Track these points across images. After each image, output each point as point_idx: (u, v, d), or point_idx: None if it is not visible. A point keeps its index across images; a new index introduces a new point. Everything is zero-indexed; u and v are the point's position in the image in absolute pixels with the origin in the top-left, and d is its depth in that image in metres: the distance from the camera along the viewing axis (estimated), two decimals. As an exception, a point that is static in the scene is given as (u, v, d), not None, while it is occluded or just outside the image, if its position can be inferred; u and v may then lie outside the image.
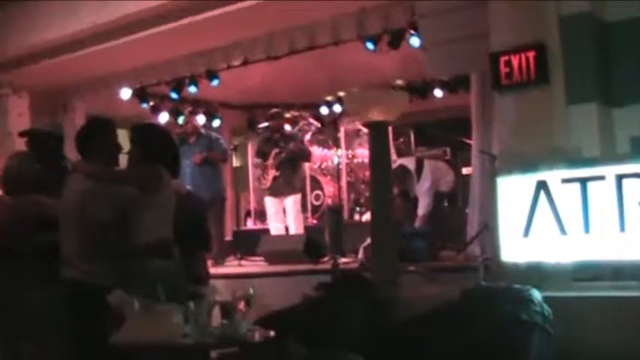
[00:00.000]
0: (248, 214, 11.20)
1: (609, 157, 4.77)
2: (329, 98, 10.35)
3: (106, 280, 3.82)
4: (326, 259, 7.55)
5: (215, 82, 8.83)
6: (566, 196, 4.52)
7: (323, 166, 10.49)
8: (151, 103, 9.92)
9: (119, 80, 9.52)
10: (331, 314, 4.69)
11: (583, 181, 4.48)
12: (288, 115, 10.22)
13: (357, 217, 9.80)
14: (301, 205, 9.00)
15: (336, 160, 9.99)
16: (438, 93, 9.61)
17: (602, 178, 4.42)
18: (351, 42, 7.66)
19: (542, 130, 4.98)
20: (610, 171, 4.40)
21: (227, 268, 7.84)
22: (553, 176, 4.60)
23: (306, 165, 9.75)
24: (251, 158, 10.61)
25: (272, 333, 3.74)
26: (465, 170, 8.41)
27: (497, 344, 4.08)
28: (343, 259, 7.26)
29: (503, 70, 5.08)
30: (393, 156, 8.22)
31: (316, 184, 10.28)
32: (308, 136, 10.29)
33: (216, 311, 3.64)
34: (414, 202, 8.13)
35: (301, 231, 8.59)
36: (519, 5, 5.11)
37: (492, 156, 5.87)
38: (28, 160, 4.66)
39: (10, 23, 8.63)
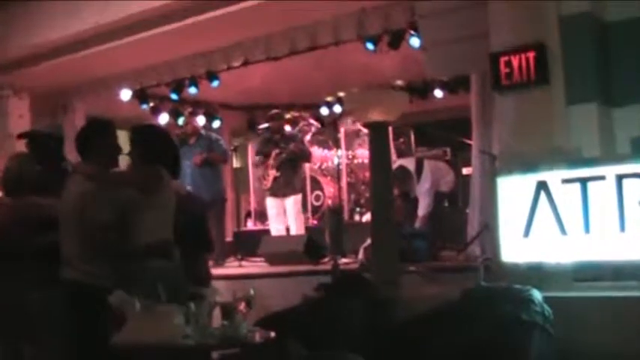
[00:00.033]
0: (248, 214, 11.20)
1: (609, 157, 4.77)
2: (329, 99, 10.36)
3: (106, 281, 3.82)
4: (326, 259, 7.55)
5: (215, 83, 8.83)
6: (567, 196, 4.52)
7: (323, 167, 10.48)
8: (151, 104, 9.91)
9: (119, 81, 9.52)
10: (331, 315, 4.70)
11: (583, 181, 4.48)
12: (288, 116, 10.23)
13: (357, 217, 9.79)
14: (302, 205, 9.01)
15: (336, 161, 9.99)
16: (438, 93, 9.62)
17: (602, 178, 4.42)
18: (351, 42, 7.67)
19: (543, 130, 4.98)
20: (610, 171, 4.40)
21: (227, 269, 7.85)
22: (553, 176, 4.59)
23: (307, 166, 9.75)
24: (251, 159, 10.61)
25: (272, 334, 3.74)
26: (465, 170, 8.41)
27: (497, 344, 4.08)
28: (343, 260, 7.26)
29: (503, 70, 5.08)
30: (393, 156, 8.21)
31: (316, 184, 10.28)
32: (308, 137, 10.29)
33: (217, 312, 3.64)
34: (415, 202, 8.13)
35: (302, 231, 8.60)
36: (519, 5, 5.11)
37: (492, 156, 5.88)
38: (28, 162, 4.66)
39: (11, 24, 8.62)
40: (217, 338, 3.51)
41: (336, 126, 10.13)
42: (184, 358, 3.58)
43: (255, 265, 8.13)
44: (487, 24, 5.30)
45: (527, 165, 4.75)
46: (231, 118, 11.47)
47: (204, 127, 9.50)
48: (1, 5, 8.52)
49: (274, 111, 9.10)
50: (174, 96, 9.43)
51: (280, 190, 8.66)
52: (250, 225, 10.87)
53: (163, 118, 9.95)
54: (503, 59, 5.08)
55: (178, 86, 9.17)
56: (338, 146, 10.07)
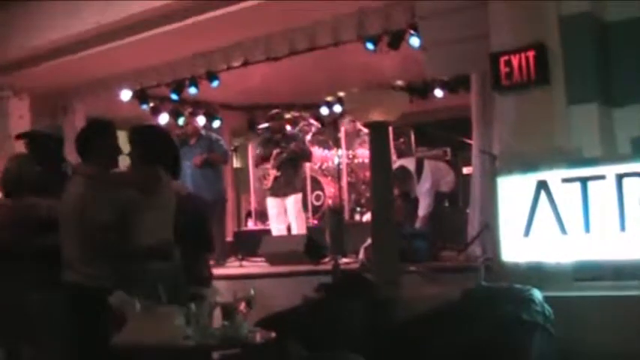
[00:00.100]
0: (249, 214, 11.20)
1: (609, 156, 4.77)
2: (329, 99, 10.36)
3: (106, 282, 3.81)
4: (327, 259, 7.55)
5: (215, 83, 8.83)
6: (567, 195, 4.52)
7: (323, 167, 10.47)
8: (151, 105, 9.91)
9: (119, 82, 9.52)
10: (332, 315, 4.70)
11: (583, 181, 4.47)
12: (288, 116, 10.21)
13: (357, 217, 9.79)
14: (302, 205, 9.00)
15: (336, 161, 9.98)
16: (438, 93, 9.62)
17: (602, 177, 4.42)
18: (351, 42, 7.66)
19: (543, 130, 4.98)
20: (610, 170, 4.40)
21: (228, 269, 7.85)
22: (553, 176, 4.59)
23: (307, 165, 9.75)
24: (251, 159, 10.61)
25: (273, 334, 3.74)
26: (465, 170, 8.41)
27: (498, 344, 4.08)
28: (344, 260, 7.25)
29: (504, 70, 5.08)
30: (393, 157, 8.21)
31: (317, 184, 10.27)
32: (308, 137, 10.29)
33: (217, 312, 3.64)
34: (415, 202, 8.13)
35: (304, 230, 8.59)
36: (519, 5, 5.11)
37: (493, 156, 5.88)
38: (27, 162, 4.66)
39: (12, 24, 8.62)
40: (218, 339, 3.51)
41: (337, 126, 10.13)
42: (185, 359, 3.58)
43: (255, 265, 8.12)
44: (487, 24, 5.30)
45: (528, 165, 4.75)
46: (231, 118, 11.47)
47: (205, 127, 9.50)
48: (1, 6, 8.51)
49: (274, 111, 9.10)
50: (174, 96, 9.42)
51: (281, 189, 8.66)
52: (251, 225, 10.87)
53: (163, 119, 9.95)
54: (503, 59, 5.08)
55: (178, 86, 9.16)
56: (338, 146, 10.06)
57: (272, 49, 8.16)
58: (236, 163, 11.15)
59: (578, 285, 4.57)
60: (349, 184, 10.15)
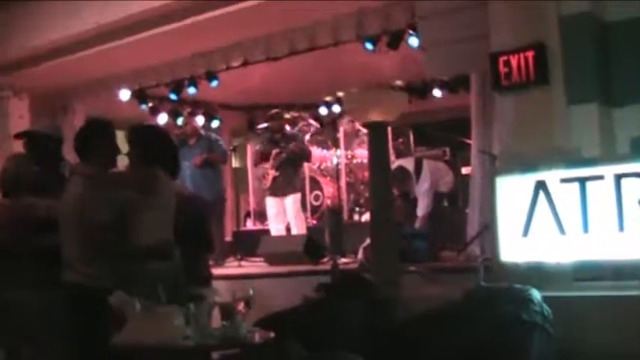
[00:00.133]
0: (248, 214, 11.20)
1: (608, 156, 4.77)
2: (328, 99, 10.37)
3: (106, 282, 3.81)
4: (326, 259, 7.55)
5: (214, 83, 8.83)
6: (566, 195, 4.51)
7: (322, 167, 10.47)
8: (150, 105, 9.91)
9: (118, 82, 9.52)
10: (331, 315, 4.69)
11: (582, 181, 4.47)
12: (287, 116, 10.23)
13: (356, 217, 9.79)
14: (301, 205, 9.00)
15: (335, 161, 9.98)
16: (437, 93, 9.63)
17: (601, 177, 4.41)
18: (351, 42, 7.67)
19: (542, 130, 4.98)
20: (609, 170, 4.39)
21: (227, 269, 7.85)
22: (552, 176, 4.59)
23: (306, 165, 9.75)
24: (251, 159, 10.61)
25: (272, 334, 3.74)
26: (464, 170, 8.40)
27: (497, 344, 4.08)
28: (343, 260, 7.26)
29: (503, 70, 5.08)
30: (392, 157, 8.21)
31: (315, 184, 10.27)
32: (307, 137, 10.29)
33: (216, 312, 3.64)
34: (414, 202, 8.13)
35: (303, 230, 8.60)
36: (519, 5, 5.10)
37: (492, 156, 5.88)
38: (26, 162, 4.65)
39: (12, 24, 8.62)
40: (217, 339, 3.51)
41: (335, 126, 10.13)
42: (184, 359, 3.58)
43: (254, 265, 8.12)
44: (487, 24, 5.30)
45: (527, 165, 4.75)
46: (230, 118, 11.47)
47: (204, 127, 9.51)
48: (1, 6, 8.51)
49: (274, 111, 9.11)
50: (173, 96, 9.42)
51: (280, 189, 8.66)
52: (250, 225, 10.87)
53: (162, 119, 9.95)
54: (502, 59, 5.08)
55: (178, 86, 9.16)
56: (337, 146, 10.06)
57: (271, 49, 8.17)
58: (235, 163, 11.15)
59: (577, 285, 4.57)
60: (348, 184, 10.15)
